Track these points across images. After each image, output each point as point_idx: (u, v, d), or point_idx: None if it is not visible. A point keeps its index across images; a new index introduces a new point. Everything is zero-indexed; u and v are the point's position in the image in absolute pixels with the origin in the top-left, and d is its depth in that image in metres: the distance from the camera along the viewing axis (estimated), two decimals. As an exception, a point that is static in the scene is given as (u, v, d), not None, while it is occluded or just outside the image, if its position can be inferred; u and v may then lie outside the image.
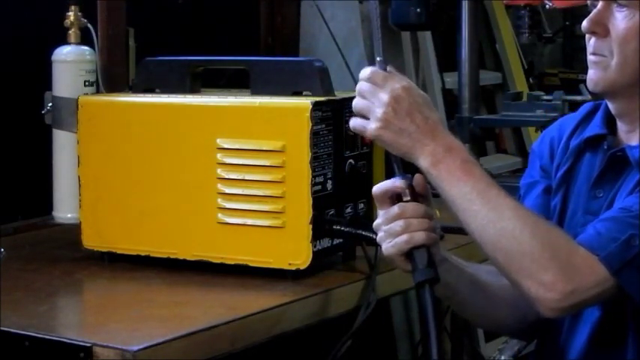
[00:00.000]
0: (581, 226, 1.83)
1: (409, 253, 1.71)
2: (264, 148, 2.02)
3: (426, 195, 1.75)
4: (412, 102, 1.70)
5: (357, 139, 2.12)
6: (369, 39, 3.44)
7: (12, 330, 1.76)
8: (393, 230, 1.72)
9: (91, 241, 2.19)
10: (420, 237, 1.71)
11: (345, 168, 2.10)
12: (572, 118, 1.98)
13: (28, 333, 1.74)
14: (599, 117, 1.92)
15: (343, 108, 2.09)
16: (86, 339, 1.70)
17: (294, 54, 3.37)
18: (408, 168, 1.73)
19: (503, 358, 2.96)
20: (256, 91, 2.13)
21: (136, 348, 1.65)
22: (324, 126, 2.03)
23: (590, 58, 1.88)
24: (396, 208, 1.72)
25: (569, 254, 1.67)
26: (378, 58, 1.75)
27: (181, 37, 2.42)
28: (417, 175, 1.73)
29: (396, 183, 1.73)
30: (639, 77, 1.83)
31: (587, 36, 1.86)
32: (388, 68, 1.74)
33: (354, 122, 1.73)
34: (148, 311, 1.89)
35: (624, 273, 1.68)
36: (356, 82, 1.73)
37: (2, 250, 2.22)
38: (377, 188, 1.75)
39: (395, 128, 1.70)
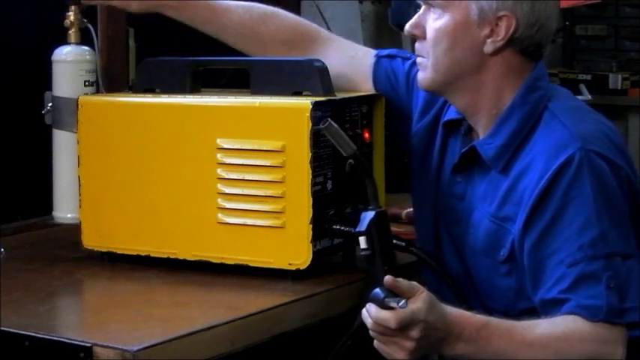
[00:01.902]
0: (448, 207, 1.95)
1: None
2: (264, 148, 2.02)
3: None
4: (433, 335, 1.72)
5: (357, 140, 2.12)
6: (369, 39, 3.44)
7: (12, 330, 1.76)
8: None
9: (91, 241, 2.19)
10: None
11: (345, 168, 2.10)
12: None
13: (28, 333, 1.74)
14: None
15: (343, 108, 2.09)
16: (86, 339, 1.70)
17: (294, 54, 3.36)
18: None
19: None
20: (256, 91, 2.13)
21: (136, 348, 1.66)
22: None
23: (417, 60, 1.92)
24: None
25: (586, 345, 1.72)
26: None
27: (181, 37, 2.41)
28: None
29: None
30: (458, 75, 1.86)
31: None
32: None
33: (381, 348, 1.75)
34: (148, 311, 1.90)
35: (629, 313, 1.73)
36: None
37: (2, 250, 2.22)
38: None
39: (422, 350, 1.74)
